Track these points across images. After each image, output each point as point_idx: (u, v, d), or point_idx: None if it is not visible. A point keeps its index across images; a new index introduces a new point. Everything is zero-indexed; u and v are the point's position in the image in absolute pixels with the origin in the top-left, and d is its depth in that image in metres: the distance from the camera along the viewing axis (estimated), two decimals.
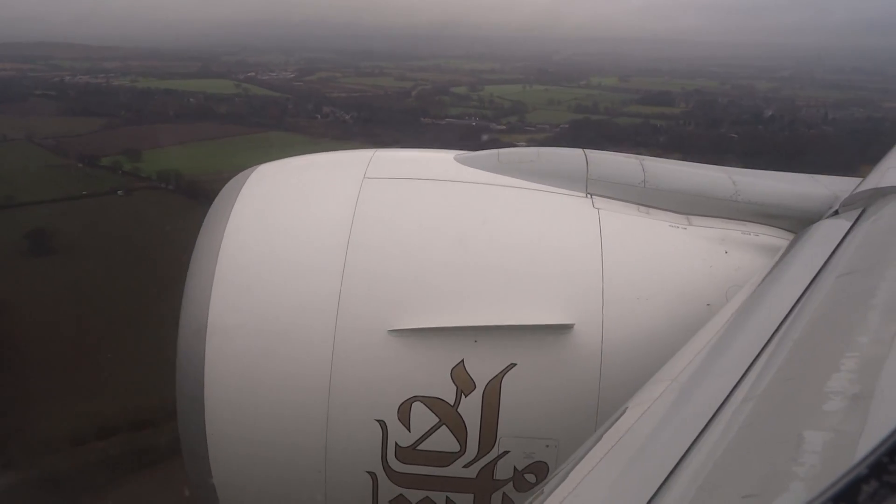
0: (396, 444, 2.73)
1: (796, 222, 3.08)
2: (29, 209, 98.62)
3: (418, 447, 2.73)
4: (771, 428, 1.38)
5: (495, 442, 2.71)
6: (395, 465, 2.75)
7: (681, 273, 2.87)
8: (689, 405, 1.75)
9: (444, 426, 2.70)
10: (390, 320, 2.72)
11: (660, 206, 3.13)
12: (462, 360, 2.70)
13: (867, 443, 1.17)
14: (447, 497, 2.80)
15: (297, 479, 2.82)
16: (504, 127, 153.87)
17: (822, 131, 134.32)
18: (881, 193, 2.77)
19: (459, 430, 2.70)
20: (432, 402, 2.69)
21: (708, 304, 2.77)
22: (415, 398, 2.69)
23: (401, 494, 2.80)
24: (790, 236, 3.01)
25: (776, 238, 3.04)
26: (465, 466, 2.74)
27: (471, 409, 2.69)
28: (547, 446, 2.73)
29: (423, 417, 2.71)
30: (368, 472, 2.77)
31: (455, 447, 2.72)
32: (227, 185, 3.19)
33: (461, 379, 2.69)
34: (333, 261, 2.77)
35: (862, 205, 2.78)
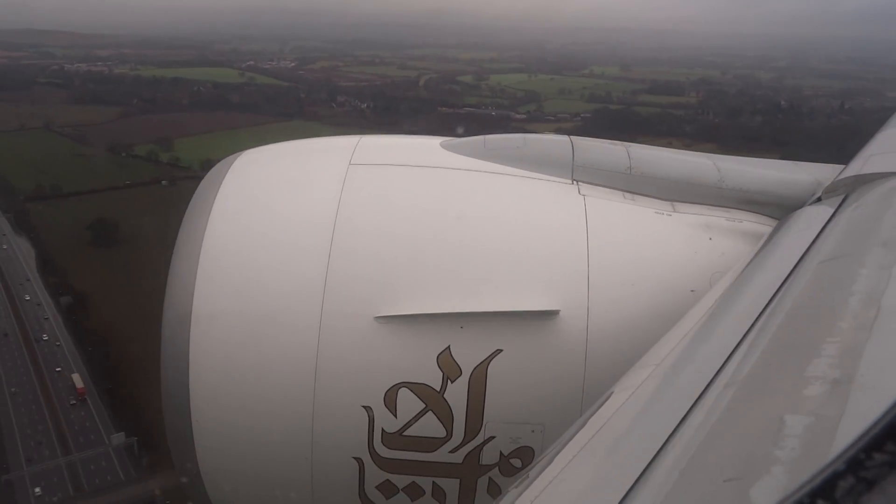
0: (383, 429, 2.71)
1: (780, 209, 3.10)
2: (76, 199, 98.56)
3: (405, 433, 2.71)
4: (752, 412, 1.42)
5: (481, 427, 2.72)
6: (382, 451, 2.74)
7: (665, 259, 2.88)
8: (672, 390, 1.78)
9: (430, 412, 2.69)
10: (376, 306, 2.70)
11: (645, 193, 3.16)
12: (448, 347, 2.68)
13: (847, 427, 1.19)
14: (433, 482, 2.82)
15: (283, 464, 2.83)
16: (524, 116, 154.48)
17: (841, 121, 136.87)
18: (863, 180, 2.81)
19: (446, 415, 2.69)
20: (419, 388, 2.68)
21: (692, 290, 2.78)
22: (401, 384, 2.68)
23: (387, 480, 2.81)
24: (774, 223, 3.03)
25: (760, 224, 3.07)
26: (451, 452, 2.73)
27: (457, 394, 2.68)
28: (532, 431, 2.74)
29: (409, 403, 2.69)
30: (355, 458, 2.76)
31: (441, 433, 2.71)
32: (211, 171, 3.16)
33: (447, 365, 2.68)
34: (319, 247, 2.76)
35: (844, 191, 2.81)
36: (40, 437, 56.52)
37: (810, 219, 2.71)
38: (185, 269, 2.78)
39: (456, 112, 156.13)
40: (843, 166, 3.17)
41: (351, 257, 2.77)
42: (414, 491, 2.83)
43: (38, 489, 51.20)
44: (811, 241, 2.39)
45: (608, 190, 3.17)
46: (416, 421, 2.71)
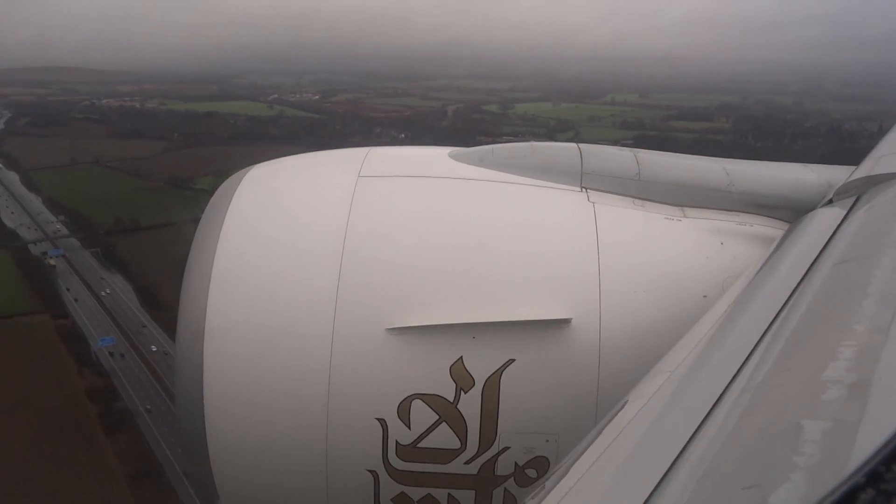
0: (397, 441, 2.71)
1: (791, 212, 3.09)
2: (155, 232, 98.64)
3: (419, 444, 2.72)
4: (770, 418, 1.40)
5: (496, 438, 2.71)
6: (396, 463, 2.74)
7: (677, 265, 2.88)
8: (688, 397, 1.76)
9: (444, 423, 2.69)
10: (388, 318, 2.70)
11: (655, 199, 3.16)
12: (461, 357, 2.68)
13: (867, 431, 1.17)
14: (449, 494, 2.81)
15: (298, 478, 2.84)
16: None
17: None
18: (875, 181, 2.81)
19: (459, 426, 2.69)
20: (432, 400, 2.68)
21: (704, 296, 2.78)
22: (414, 396, 2.68)
23: (402, 492, 2.80)
24: (785, 226, 3.03)
25: (771, 228, 3.05)
26: (466, 463, 2.73)
27: (470, 405, 2.68)
28: (547, 441, 2.73)
29: (423, 415, 2.69)
30: (370, 471, 2.77)
31: (456, 444, 2.71)
32: (222, 187, 3.20)
33: (460, 375, 2.68)
34: (330, 260, 2.78)
35: (856, 193, 2.81)
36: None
37: (822, 221, 2.68)
38: (198, 284, 2.79)
39: (496, 141, 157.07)
40: (853, 167, 3.18)
41: (362, 269, 2.76)
42: (429, 503, 2.80)
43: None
44: (824, 243, 2.38)
45: (617, 196, 3.14)
46: (430, 432, 2.69)
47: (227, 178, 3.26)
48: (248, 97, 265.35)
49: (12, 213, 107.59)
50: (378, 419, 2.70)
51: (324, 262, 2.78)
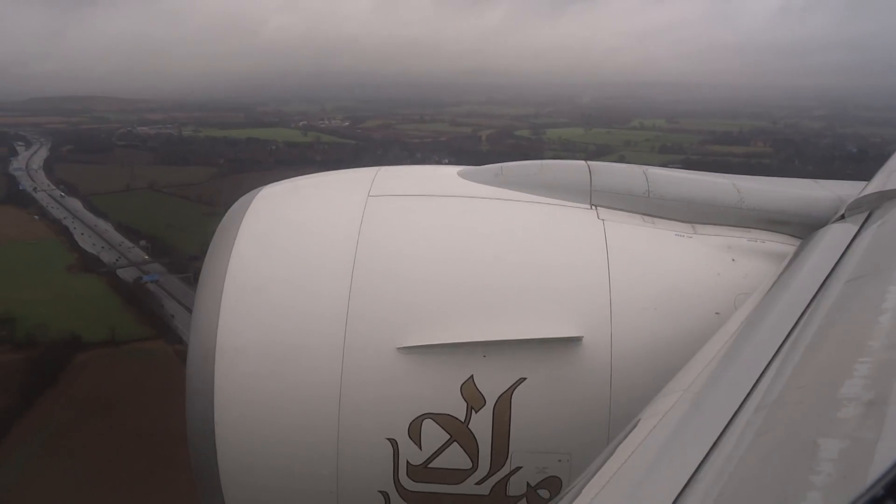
0: (408, 462, 2.68)
1: (802, 228, 3.06)
2: None
3: (430, 465, 2.68)
4: (786, 436, 1.37)
5: (507, 457, 2.67)
6: (408, 484, 2.71)
7: (688, 282, 2.85)
8: (701, 415, 1.73)
9: (455, 443, 2.66)
10: (398, 338, 2.69)
11: (665, 216, 3.14)
12: (471, 376, 2.66)
13: (884, 449, 1.14)
14: None
15: (309, 499, 2.80)
16: None
17: None
18: (887, 196, 2.77)
19: (471, 446, 2.65)
20: (443, 419, 2.65)
21: (717, 313, 2.75)
22: (425, 415, 2.65)
23: None
24: (797, 242, 2.99)
25: (783, 244, 3.02)
26: (477, 483, 2.69)
27: (482, 424, 2.64)
28: (559, 461, 2.69)
29: (434, 435, 2.66)
30: (381, 492, 2.73)
31: (467, 464, 2.67)
32: (232, 208, 3.22)
33: (471, 394, 2.65)
34: (340, 280, 2.76)
35: (868, 208, 2.77)
36: None
37: (834, 237, 2.66)
38: (210, 304, 2.79)
39: None
40: (865, 183, 3.15)
41: (372, 288, 2.75)
42: None
43: None
44: (836, 259, 2.35)
45: (627, 214, 3.12)
46: (441, 452, 2.66)
47: None
48: (278, 124, 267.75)
49: (88, 238, 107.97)
50: (389, 439, 2.66)
51: (334, 281, 2.76)
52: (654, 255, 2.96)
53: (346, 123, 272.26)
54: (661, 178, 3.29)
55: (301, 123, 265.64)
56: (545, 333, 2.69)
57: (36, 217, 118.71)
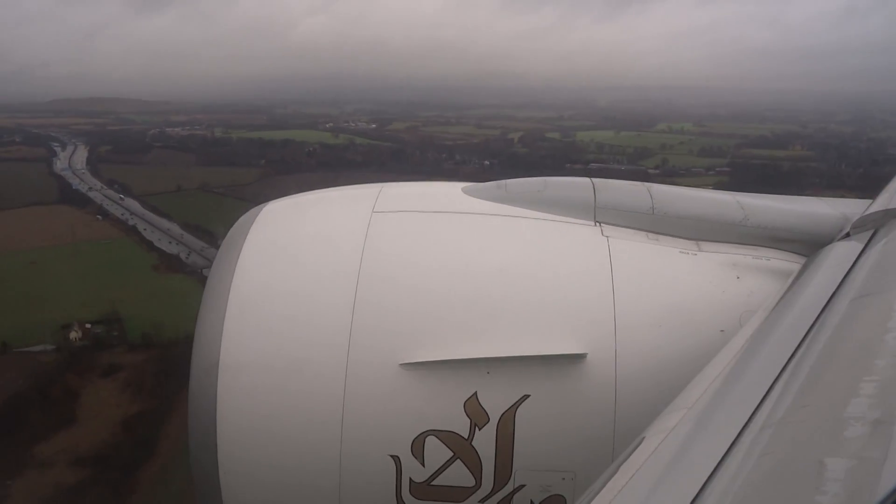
0: (411, 479, 2.67)
1: (807, 245, 3.06)
2: None
3: (433, 482, 2.67)
4: (791, 456, 1.36)
5: (511, 475, 2.65)
6: (410, 501, 2.70)
7: (693, 299, 2.85)
8: (706, 434, 1.72)
9: (458, 460, 2.64)
10: (402, 354, 2.68)
11: (669, 233, 3.13)
12: (475, 393, 2.65)
13: (891, 469, 1.13)
14: None
15: None
16: (657, 171, 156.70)
17: None
18: (892, 214, 2.77)
19: (474, 463, 2.64)
20: (446, 436, 2.63)
21: (722, 331, 2.74)
22: (428, 432, 2.64)
23: None
24: (802, 260, 2.99)
25: (788, 262, 3.02)
26: (481, 501, 2.67)
27: (485, 442, 2.63)
28: (563, 479, 2.68)
29: (437, 452, 2.65)
30: None
31: (470, 481, 2.65)
32: (237, 223, 3.21)
33: (475, 411, 2.64)
34: (344, 296, 2.76)
35: (873, 226, 2.76)
36: None
37: (840, 255, 2.65)
38: (213, 320, 2.79)
39: (586, 168, 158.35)
40: (870, 201, 3.16)
41: (375, 305, 2.74)
42: None
43: None
44: (842, 277, 2.35)
45: (632, 231, 3.11)
46: (444, 470, 2.65)
47: None
48: (303, 126, 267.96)
49: (160, 238, 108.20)
50: (392, 456, 2.65)
51: (338, 297, 2.75)
52: (659, 272, 2.94)
53: (373, 126, 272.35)
54: (665, 195, 3.28)
55: (328, 125, 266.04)
56: (549, 350, 2.67)
57: (98, 217, 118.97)
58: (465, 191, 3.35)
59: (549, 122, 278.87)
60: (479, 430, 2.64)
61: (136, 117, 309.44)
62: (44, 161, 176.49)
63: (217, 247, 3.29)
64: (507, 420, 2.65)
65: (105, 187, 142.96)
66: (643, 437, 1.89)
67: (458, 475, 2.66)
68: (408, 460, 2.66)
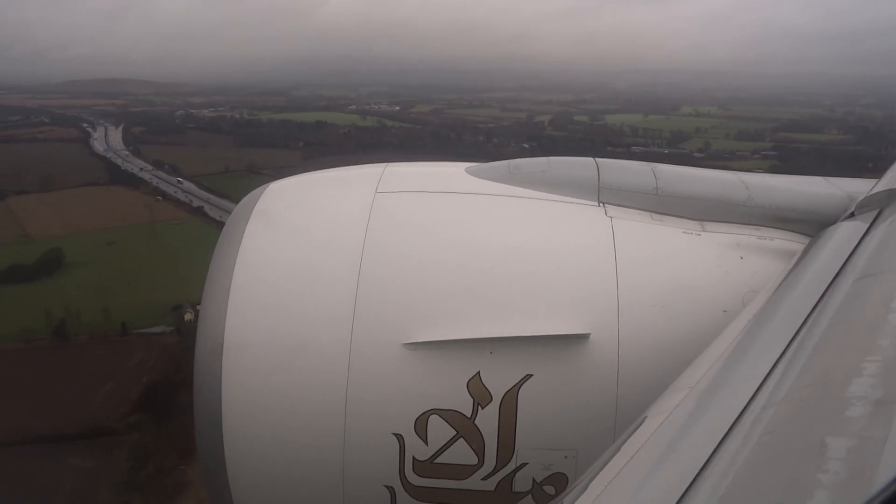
0: (414, 457, 2.69)
1: (812, 225, 3.05)
2: None
3: (436, 460, 2.69)
4: (793, 435, 1.37)
5: (513, 454, 2.67)
6: (413, 479, 2.72)
7: (696, 280, 2.85)
8: (708, 413, 1.73)
9: (461, 439, 2.67)
10: (405, 333, 2.70)
11: (673, 213, 3.13)
12: (478, 372, 2.66)
13: (893, 448, 1.14)
14: None
15: (315, 494, 2.82)
16: (702, 155, 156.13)
17: None
18: None
19: (477, 442, 2.66)
20: (449, 415, 2.66)
21: (724, 311, 2.75)
22: (431, 411, 2.66)
23: None
24: (806, 240, 2.99)
25: (792, 242, 3.01)
26: (483, 479, 2.70)
27: (488, 420, 2.66)
28: (566, 457, 2.70)
29: (440, 430, 2.67)
30: (386, 487, 2.74)
31: (473, 460, 2.68)
32: (240, 203, 3.23)
33: (477, 391, 2.66)
34: (347, 275, 2.78)
35: (878, 206, 2.75)
36: None
37: (844, 235, 2.65)
38: (217, 299, 2.80)
39: (629, 151, 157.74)
40: (875, 180, 3.15)
41: (379, 285, 2.76)
42: None
43: None
44: (846, 257, 2.35)
45: (635, 211, 3.12)
46: (447, 448, 2.67)
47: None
48: (323, 108, 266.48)
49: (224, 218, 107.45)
50: (395, 434, 2.68)
51: (341, 277, 2.77)
52: (662, 252, 2.94)
53: (396, 108, 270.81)
54: (669, 175, 3.27)
55: (350, 108, 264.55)
56: (552, 330, 2.69)
57: (158, 198, 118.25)
58: (468, 171, 3.33)
59: (571, 106, 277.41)
60: (482, 409, 2.66)
61: (154, 98, 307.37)
62: (79, 142, 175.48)
63: None
64: (510, 399, 2.66)
65: (153, 168, 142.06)
66: (645, 417, 1.90)
67: (460, 453, 2.68)
68: (411, 439, 2.68)
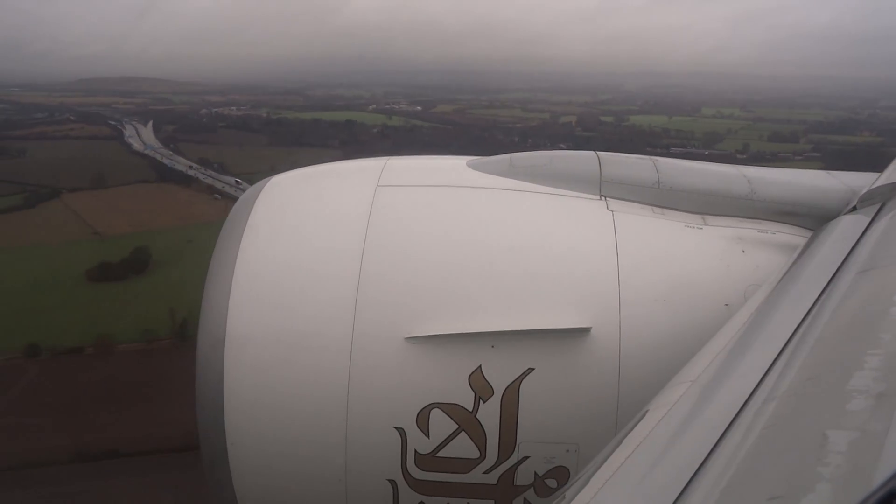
0: (416, 451, 2.69)
1: (814, 219, 3.04)
2: None
3: (438, 454, 2.69)
4: (794, 428, 1.36)
5: (515, 447, 2.67)
6: (415, 473, 2.72)
7: (698, 273, 2.83)
8: (710, 407, 1.72)
9: (463, 432, 2.67)
10: (407, 327, 2.69)
11: (675, 207, 3.12)
12: (480, 366, 2.66)
13: (894, 442, 1.15)
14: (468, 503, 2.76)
15: (317, 488, 2.81)
16: (744, 157, 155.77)
17: None
18: None
19: (479, 436, 2.66)
20: (451, 409, 2.66)
21: (726, 304, 2.74)
22: (433, 405, 2.66)
23: (421, 502, 2.77)
24: (808, 234, 2.96)
25: (794, 236, 3.00)
26: (485, 472, 2.70)
27: (489, 414, 2.66)
28: (567, 451, 2.70)
29: (441, 424, 2.67)
30: (389, 480, 2.74)
31: (475, 453, 2.68)
32: (242, 197, 3.26)
33: (479, 384, 2.66)
34: (349, 269, 2.77)
35: (880, 200, 2.74)
36: None
37: (846, 229, 2.64)
38: (219, 293, 2.83)
39: (668, 153, 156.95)
40: (877, 174, 3.14)
41: (380, 279, 2.78)
42: None
43: None
44: (848, 251, 2.34)
45: (637, 205, 3.11)
46: (449, 442, 2.69)
47: None
48: (341, 108, 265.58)
49: None
50: (397, 428, 2.69)
51: (343, 271, 2.78)
52: (664, 246, 2.93)
53: (418, 108, 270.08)
54: (671, 169, 3.26)
55: (370, 108, 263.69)
56: (554, 324, 2.67)
57: (217, 196, 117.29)
58: (470, 165, 3.34)
59: (591, 107, 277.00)
60: (484, 402, 2.66)
61: (172, 97, 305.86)
62: (112, 140, 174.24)
63: None
64: (512, 393, 2.66)
65: (202, 167, 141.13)
66: (647, 410, 1.90)
67: (462, 447, 2.69)
68: (413, 432, 2.68)
